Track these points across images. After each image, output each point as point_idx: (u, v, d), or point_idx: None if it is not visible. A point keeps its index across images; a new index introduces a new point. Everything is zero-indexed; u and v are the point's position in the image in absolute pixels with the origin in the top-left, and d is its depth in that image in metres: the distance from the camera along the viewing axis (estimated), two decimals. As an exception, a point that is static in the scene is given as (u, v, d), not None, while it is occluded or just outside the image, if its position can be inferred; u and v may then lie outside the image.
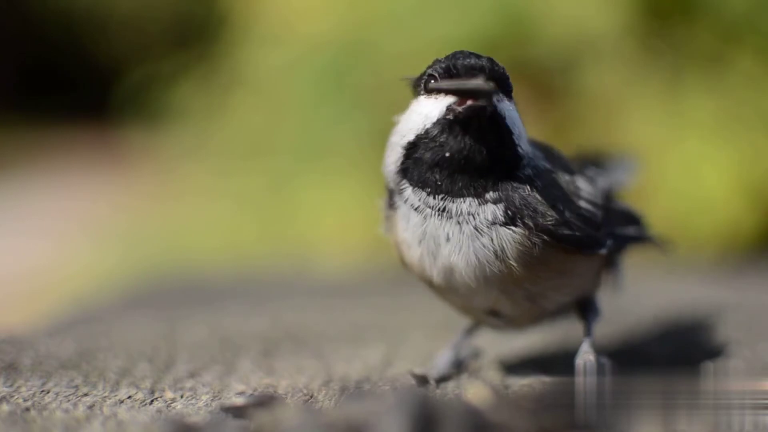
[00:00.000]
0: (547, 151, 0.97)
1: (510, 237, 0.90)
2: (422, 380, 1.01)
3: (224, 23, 3.23)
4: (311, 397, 0.96)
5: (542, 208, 0.91)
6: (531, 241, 0.90)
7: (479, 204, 0.91)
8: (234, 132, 2.96)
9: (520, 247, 0.90)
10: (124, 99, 3.38)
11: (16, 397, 0.95)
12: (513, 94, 0.95)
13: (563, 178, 0.95)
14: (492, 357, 1.10)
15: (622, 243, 1.03)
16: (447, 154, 0.90)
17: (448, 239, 0.92)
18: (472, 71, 0.90)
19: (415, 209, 0.93)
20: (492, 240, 0.90)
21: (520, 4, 2.52)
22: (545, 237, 0.90)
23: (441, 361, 1.04)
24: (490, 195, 0.91)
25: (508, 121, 0.92)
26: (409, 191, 0.94)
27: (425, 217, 0.93)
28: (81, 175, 4.62)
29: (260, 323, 1.37)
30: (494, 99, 0.90)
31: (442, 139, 0.90)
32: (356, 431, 0.74)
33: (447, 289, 0.96)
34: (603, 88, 2.51)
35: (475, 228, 0.91)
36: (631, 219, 1.06)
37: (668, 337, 1.23)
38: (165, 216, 3.10)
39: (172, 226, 2.99)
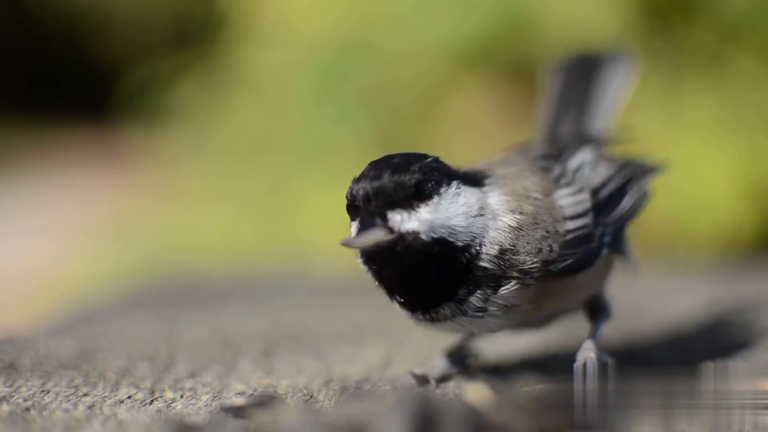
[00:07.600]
0: (514, 188, 0.92)
1: (509, 292, 0.90)
2: (422, 380, 1.01)
3: (224, 23, 3.23)
4: (311, 397, 0.96)
5: (520, 258, 0.89)
6: (526, 284, 0.90)
7: (458, 306, 0.90)
8: (234, 132, 2.95)
9: (522, 292, 0.90)
10: (124, 99, 3.38)
11: (16, 397, 0.95)
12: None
13: (540, 209, 0.92)
14: (492, 357, 1.10)
15: (623, 225, 1.00)
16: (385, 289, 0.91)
17: (453, 323, 0.92)
18: (365, 199, 0.85)
19: (406, 314, 0.93)
20: (495, 309, 0.90)
21: (520, 5, 2.52)
22: (535, 274, 0.90)
23: (441, 360, 1.04)
24: (462, 291, 0.89)
25: (423, 235, 0.86)
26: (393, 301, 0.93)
27: (419, 320, 0.93)
28: (81, 174, 4.61)
29: (260, 323, 1.37)
30: (396, 225, 0.85)
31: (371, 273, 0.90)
32: (356, 431, 0.74)
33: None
34: (603, 88, 2.50)
35: (474, 316, 0.90)
36: (624, 187, 1.01)
37: (668, 337, 1.22)
38: (165, 216, 3.10)
39: (172, 226, 2.99)
